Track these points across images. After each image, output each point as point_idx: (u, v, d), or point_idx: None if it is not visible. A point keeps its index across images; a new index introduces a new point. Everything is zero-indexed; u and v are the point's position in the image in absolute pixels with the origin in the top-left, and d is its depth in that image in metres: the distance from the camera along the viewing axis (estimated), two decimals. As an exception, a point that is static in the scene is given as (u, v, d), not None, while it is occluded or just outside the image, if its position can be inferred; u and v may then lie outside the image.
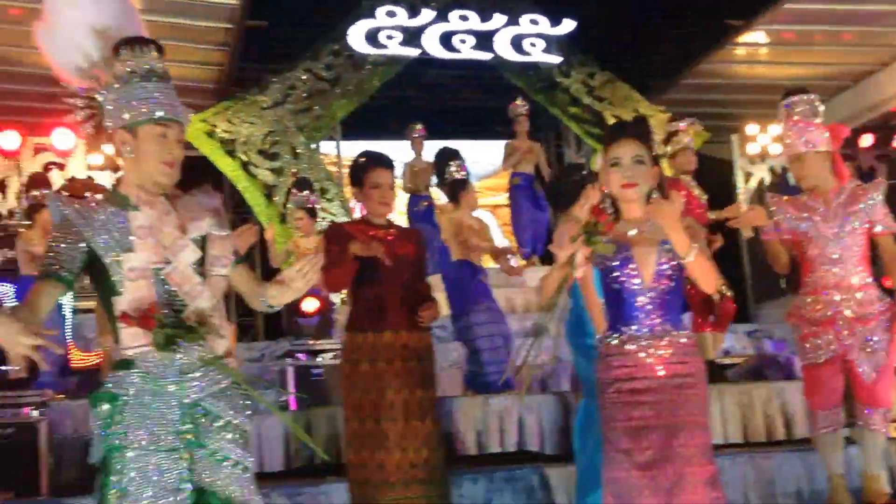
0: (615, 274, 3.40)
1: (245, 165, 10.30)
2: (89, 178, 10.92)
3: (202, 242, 2.90)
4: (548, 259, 8.34)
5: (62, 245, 2.77)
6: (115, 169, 10.67)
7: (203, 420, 2.80)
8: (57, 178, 10.88)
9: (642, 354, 3.36)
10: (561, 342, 7.76)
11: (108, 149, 10.56)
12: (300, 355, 6.97)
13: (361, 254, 4.27)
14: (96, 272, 2.82)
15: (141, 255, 2.79)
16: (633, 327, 3.39)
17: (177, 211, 2.89)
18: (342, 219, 10.17)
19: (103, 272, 2.80)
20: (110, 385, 2.79)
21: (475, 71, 11.95)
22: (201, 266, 2.88)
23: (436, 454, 4.42)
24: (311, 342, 7.00)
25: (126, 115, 2.81)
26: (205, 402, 2.81)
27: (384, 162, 4.52)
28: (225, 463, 2.79)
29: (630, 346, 3.38)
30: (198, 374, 2.82)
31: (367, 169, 4.46)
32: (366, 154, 4.58)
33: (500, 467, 5.54)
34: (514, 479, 5.33)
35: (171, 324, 2.75)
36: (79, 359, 7.90)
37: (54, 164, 10.84)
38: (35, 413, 5.44)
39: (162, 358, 2.77)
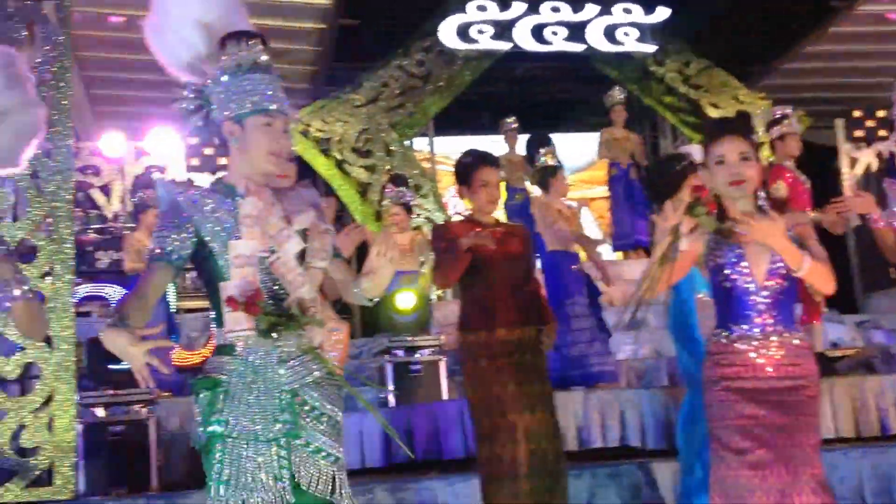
0: (726, 272, 3.31)
1: (339, 164, 10.41)
2: (189, 180, 11.18)
3: (303, 234, 2.91)
4: (649, 252, 8.18)
5: (172, 230, 2.83)
6: (214, 171, 10.90)
7: (300, 410, 2.79)
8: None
9: (753, 354, 3.26)
10: (662, 335, 7.64)
11: (208, 150, 10.81)
12: (398, 352, 6.97)
13: (471, 245, 4.29)
14: (203, 259, 2.86)
15: (248, 242, 2.82)
16: (744, 326, 3.29)
17: (281, 202, 2.92)
18: (437, 215, 10.23)
19: (210, 258, 2.84)
20: (211, 371, 2.82)
21: (567, 63, 11.83)
22: (302, 258, 2.90)
23: (555, 446, 4.46)
24: (409, 338, 6.99)
25: (233, 106, 2.87)
26: (301, 391, 2.81)
27: (491, 160, 4.59)
28: (317, 455, 2.78)
29: (741, 346, 3.28)
30: (295, 363, 2.82)
31: (475, 167, 4.51)
32: (473, 153, 4.64)
33: (604, 463, 5.47)
34: (619, 475, 5.25)
35: (274, 311, 2.77)
36: (182, 358, 8.08)
37: (155, 167, 11.12)
38: (143, 410, 5.57)
39: (261, 345, 2.79)
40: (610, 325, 7.00)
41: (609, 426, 6.04)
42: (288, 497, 2.71)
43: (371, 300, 3.07)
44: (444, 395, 6.70)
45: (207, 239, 2.82)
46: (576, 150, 12.74)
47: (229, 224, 2.83)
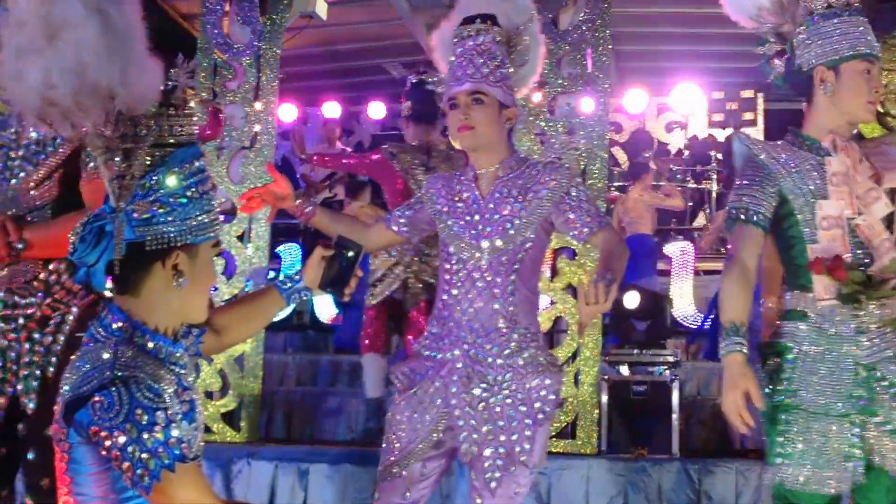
0: None
1: (881, 117, 9.47)
2: (710, 135, 10.94)
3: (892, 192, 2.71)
4: None
5: (754, 188, 2.69)
6: (738, 126, 10.51)
7: (877, 386, 2.58)
8: (678, 138, 11.07)
9: None
10: None
11: (731, 105, 10.44)
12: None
13: None
14: (782, 217, 2.71)
15: (836, 202, 2.64)
16: None
17: (868, 159, 2.71)
18: None
19: (790, 217, 2.68)
20: (780, 337, 2.68)
21: None
22: (889, 221, 2.69)
23: None
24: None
25: (827, 50, 2.68)
26: (881, 366, 2.59)
27: None
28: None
29: None
30: (875, 336, 2.60)
31: None
32: None
33: None
34: None
35: (860, 278, 2.57)
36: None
37: (676, 122, 11.02)
38: (667, 372, 5.48)
39: (840, 314, 2.60)
40: None
41: None
42: (858, 477, 2.56)
43: None
44: None
45: (791, 197, 2.68)
46: None
47: (814, 182, 2.67)
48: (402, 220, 3.02)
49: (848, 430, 2.54)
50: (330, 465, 4.96)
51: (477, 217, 2.84)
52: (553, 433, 5.22)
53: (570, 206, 2.79)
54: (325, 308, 7.84)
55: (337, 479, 4.91)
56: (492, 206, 2.83)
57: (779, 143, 2.76)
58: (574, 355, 5.33)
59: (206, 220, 1.94)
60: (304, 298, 2.39)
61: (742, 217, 2.68)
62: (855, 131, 2.77)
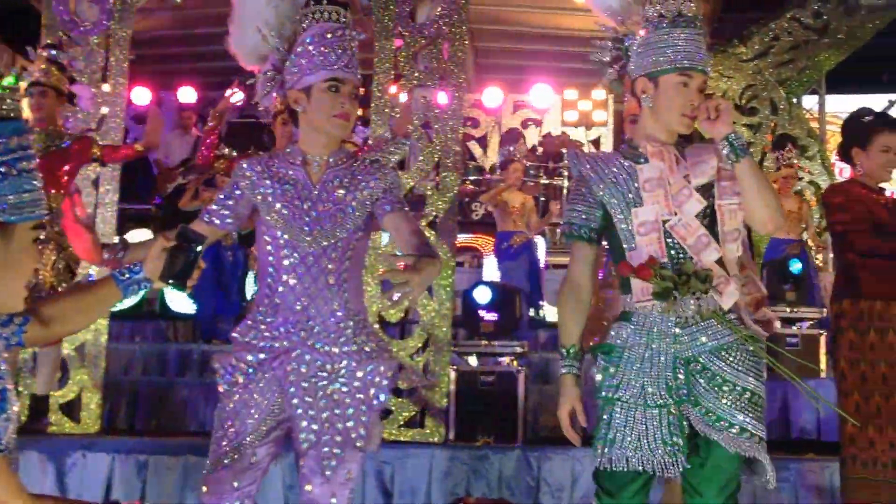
0: None
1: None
2: (564, 133, 11.20)
3: (707, 190, 2.71)
4: None
5: (578, 203, 2.77)
6: (589, 126, 10.80)
7: (698, 377, 2.64)
8: (532, 135, 11.28)
9: None
10: None
11: (584, 105, 10.72)
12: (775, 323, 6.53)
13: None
14: (608, 226, 2.77)
15: (651, 208, 2.69)
16: None
17: (686, 158, 2.74)
18: (822, 178, 9.51)
19: (612, 227, 2.75)
20: (610, 336, 2.76)
21: None
22: (709, 217, 2.70)
23: None
24: (788, 310, 6.54)
25: (649, 62, 2.71)
26: (702, 358, 2.65)
27: (893, 124, 4.23)
28: (720, 423, 2.60)
29: None
30: (694, 330, 2.66)
31: (875, 130, 4.17)
32: (873, 113, 4.30)
33: None
34: None
35: (668, 275, 2.62)
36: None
37: (532, 120, 11.23)
38: (514, 363, 5.58)
39: (659, 311, 2.67)
40: None
41: None
42: (680, 464, 2.61)
43: None
44: (823, 374, 6.22)
45: (609, 208, 2.73)
46: None
47: (631, 190, 2.72)
48: (225, 213, 2.87)
49: (666, 418, 2.62)
50: (170, 456, 4.84)
51: (308, 203, 2.79)
52: (401, 422, 5.28)
53: (383, 196, 2.83)
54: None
55: (178, 471, 4.80)
56: (325, 193, 2.80)
57: (613, 153, 2.84)
58: (424, 346, 5.39)
59: (24, 200, 1.83)
60: (144, 290, 2.29)
61: (569, 232, 2.78)
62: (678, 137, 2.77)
